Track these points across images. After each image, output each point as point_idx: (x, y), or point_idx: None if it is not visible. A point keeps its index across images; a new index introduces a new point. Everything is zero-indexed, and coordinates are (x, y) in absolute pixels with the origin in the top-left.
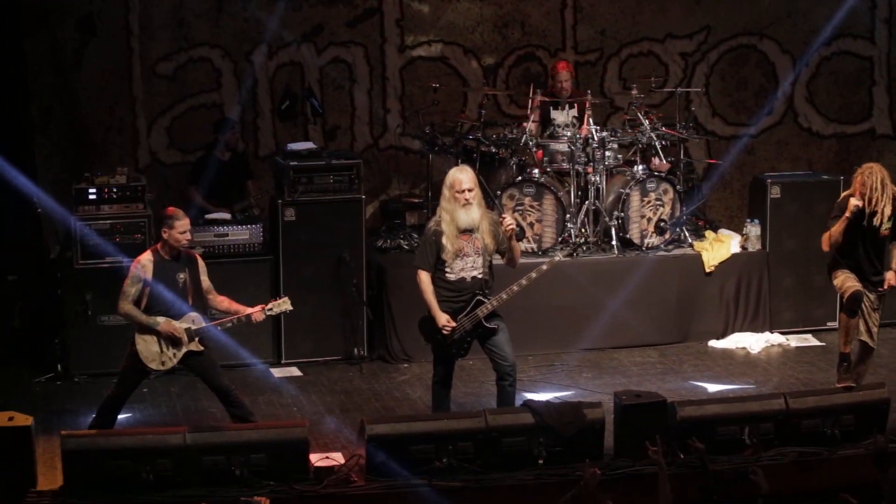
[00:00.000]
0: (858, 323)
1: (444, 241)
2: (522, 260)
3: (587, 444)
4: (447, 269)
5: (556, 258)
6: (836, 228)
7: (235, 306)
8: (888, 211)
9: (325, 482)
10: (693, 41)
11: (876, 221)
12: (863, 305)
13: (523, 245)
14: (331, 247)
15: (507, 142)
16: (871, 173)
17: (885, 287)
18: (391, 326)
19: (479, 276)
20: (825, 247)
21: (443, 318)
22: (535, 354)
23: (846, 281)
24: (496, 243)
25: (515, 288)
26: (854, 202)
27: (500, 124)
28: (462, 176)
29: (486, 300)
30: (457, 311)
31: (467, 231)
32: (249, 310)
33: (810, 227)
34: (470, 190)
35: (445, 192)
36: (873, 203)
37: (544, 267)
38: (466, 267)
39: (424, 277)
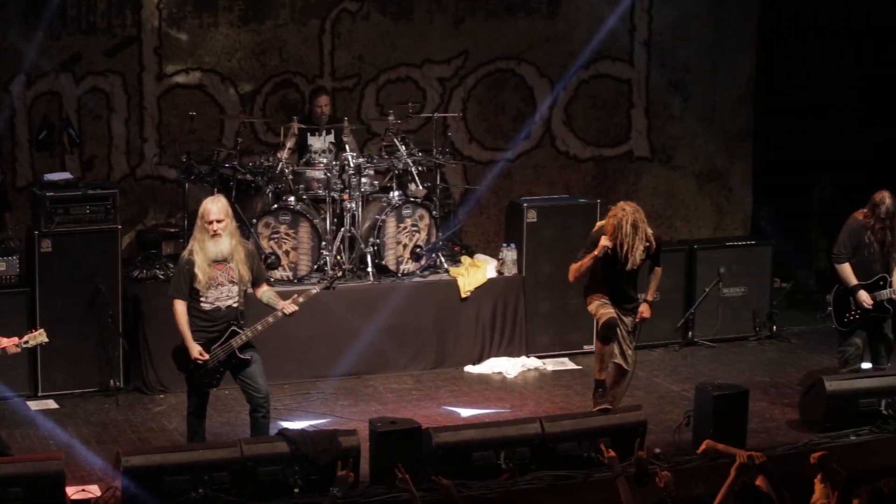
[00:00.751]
0: (613, 348)
1: (195, 270)
2: (278, 289)
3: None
4: (202, 299)
5: (314, 290)
6: (584, 263)
7: None
8: (640, 250)
9: None
10: (451, 66)
11: (629, 265)
12: (618, 330)
13: (279, 273)
14: (87, 278)
15: (263, 170)
16: (624, 216)
17: (638, 319)
18: (147, 357)
19: (234, 306)
20: (571, 277)
21: (195, 350)
22: (290, 383)
23: (600, 308)
24: (251, 274)
25: (270, 320)
26: (604, 243)
27: (257, 152)
28: (212, 207)
29: (240, 331)
30: (211, 340)
31: (221, 260)
32: (4, 342)
33: (567, 251)
34: (219, 221)
35: (198, 221)
36: (624, 247)
37: (301, 299)
38: (221, 296)
39: (179, 307)
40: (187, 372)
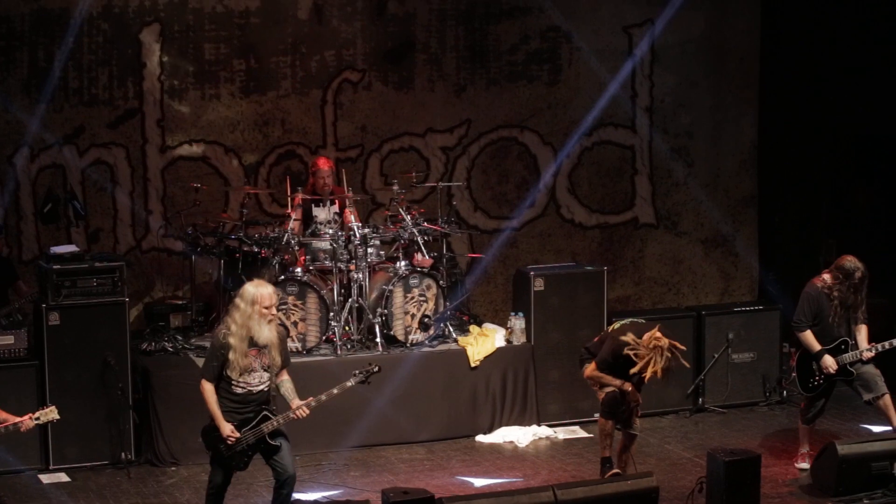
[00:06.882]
0: (615, 424)
1: (231, 355)
2: (296, 360)
3: None
4: (233, 382)
5: (349, 383)
6: (605, 382)
7: (3, 415)
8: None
9: None
10: (454, 135)
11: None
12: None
13: (289, 345)
14: (96, 350)
15: (269, 241)
16: (655, 363)
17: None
18: (158, 429)
19: (265, 390)
20: (585, 376)
21: (227, 428)
22: (302, 454)
23: (601, 380)
24: (282, 359)
25: (306, 409)
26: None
27: (262, 223)
28: (267, 291)
29: (271, 416)
30: (242, 423)
31: (260, 346)
32: (17, 419)
33: (575, 319)
34: (275, 305)
35: (245, 307)
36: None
37: (335, 391)
38: (253, 381)
39: (208, 387)
40: (216, 451)
